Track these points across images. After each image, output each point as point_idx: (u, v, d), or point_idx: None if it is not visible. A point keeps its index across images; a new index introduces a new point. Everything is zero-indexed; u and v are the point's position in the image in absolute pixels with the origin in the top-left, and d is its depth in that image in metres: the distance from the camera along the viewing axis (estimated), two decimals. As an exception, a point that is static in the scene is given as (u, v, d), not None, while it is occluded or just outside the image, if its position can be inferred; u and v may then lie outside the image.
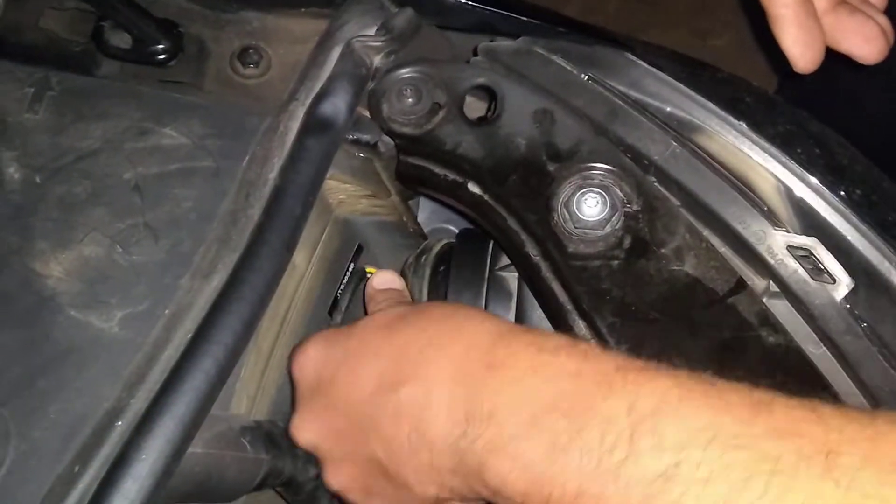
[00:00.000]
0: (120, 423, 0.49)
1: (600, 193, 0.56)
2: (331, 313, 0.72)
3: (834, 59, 0.55)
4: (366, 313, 0.67)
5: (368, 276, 0.76)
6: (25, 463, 0.48)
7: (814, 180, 0.57)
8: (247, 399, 0.63)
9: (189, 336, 0.51)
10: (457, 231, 0.85)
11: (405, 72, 0.61)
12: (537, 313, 0.63)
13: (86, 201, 0.56)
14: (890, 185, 0.59)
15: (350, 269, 0.75)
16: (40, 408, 0.50)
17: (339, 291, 0.74)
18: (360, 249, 0.77)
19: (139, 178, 0.57)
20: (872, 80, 0.96)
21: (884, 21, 0.54)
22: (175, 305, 0.53)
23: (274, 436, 0.61)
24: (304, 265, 0.67)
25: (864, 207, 0.56)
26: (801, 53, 0.53)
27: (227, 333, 0.51)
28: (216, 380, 0.50)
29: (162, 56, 0.61)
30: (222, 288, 0.53)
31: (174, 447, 0.47)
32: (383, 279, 0.68)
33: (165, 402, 0.48)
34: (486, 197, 0.60)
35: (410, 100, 0.62)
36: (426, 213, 0.87)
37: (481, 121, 0.62)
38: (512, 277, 0.66)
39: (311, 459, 0.64)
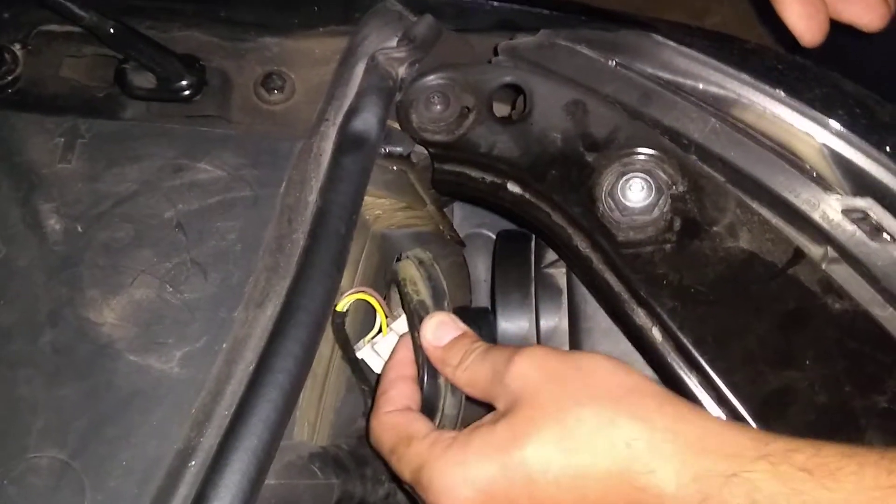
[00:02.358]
0: (193, 463, 0.48)
1: (644, 178, 0.56)
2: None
3: (837, 30, 0.54)
4: (422, 368, 0.56)
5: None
6: (104, 513, 0.48)
7: (859, 140, 0.56)
8: (308, 426, 0.63)
9: (251, 368, 0.51)
10: (493, 235, 0.85)
11: (431, 79, 0.61)
12: (590, 307, 0.62)
13: (130, 245, 0.55)
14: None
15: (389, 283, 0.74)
16: (111, 456, 0.49)
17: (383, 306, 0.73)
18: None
19: (180, 215, 0.56)
20: (878, 49, 0.95)
21: None
22: (232, 339, 0.52)
23: (341, 459, 0.60)
24: (349, 285, 0.66)
25: (913, 162, 0.55)
26: (807, 27, 0.52)
27: (288, 361, 0.50)
28: (284, 409, 0.49)
29: (187, 92, 0.61)
30: (278, 316, 0.52)
31: (251, 482, 0.47)
32: (440, 329, 0.55)
33: (237, 437, 0.48)
34: (527, 195, 0.59)
35: (439, 107, 0.61)
36: (458, 219, 0.86)
37: (511, 120, 0.62)
38: (560, 273, 0.65)
39: (380, 479, 0.64)
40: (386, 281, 0.70)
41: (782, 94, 0.57)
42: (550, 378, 0.48)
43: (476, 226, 0.87)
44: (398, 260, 0.63)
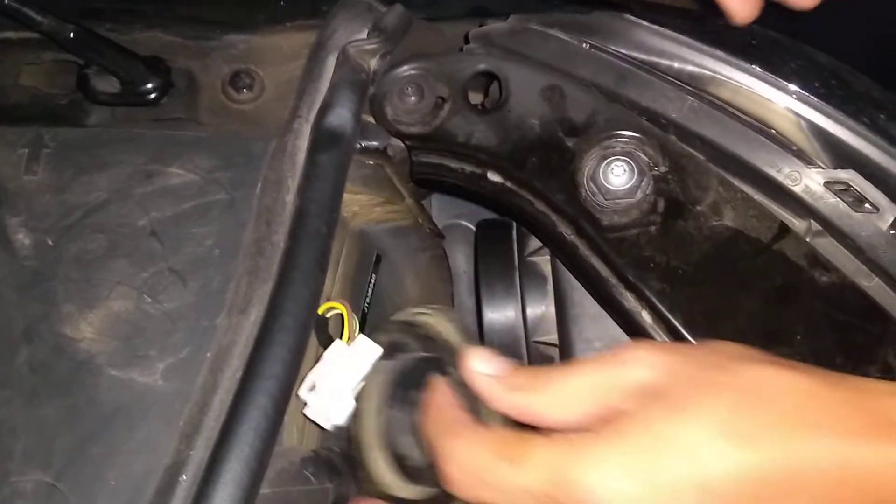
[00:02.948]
0: (184, 477, 0.47)
1: (625, 161, 0.55)
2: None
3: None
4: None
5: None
6: (94, 535, 0.46)
7: (836, 112, 0.55)
8: (296, 430, 0.62)
9: (238, 375, 0.49)
10: (472, 225, 0.84)
11: (404, 70, 0.60)
12: (577, 293, 0.62)
13: (104, 256, 0.54)
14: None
15: (373, 281, 0.73)
16: (98, 475, 0.48)
17: (366, 306, 0.72)
18: (378, 259, 0.75)
19: (154, 222, 0.55)
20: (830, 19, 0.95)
21: None
22: (216, 347, 0.51)
23: (333, 462, 0.59)
24: (329, 285, 0.65)
25: (891, 132, 0.55)
26: (739, 6, 0.52)
27: (276, 366, 0.49)
28: (275, 416, 0.48)
29: (153, 95, 0.59)
30: (262, 321, 0.51)
31: (245, 493, 0.46)
32: (493, 360, 0.46)
33: (228, 447, 0.47)
34: (508, 184, 0.58)
35: (413, 98, 0.60)
36: (435, 210, 0.85)
37: (487, 108, 0.61)
38: (544, 261, 0.65)
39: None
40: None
41: (758, 69, 0.57)
42: (680, 355, 0.41)
43: (454, 216, 0.87)
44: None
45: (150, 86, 0.59)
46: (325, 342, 0.59)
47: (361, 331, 0.69)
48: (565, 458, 0.38)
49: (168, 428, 0.49)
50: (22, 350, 0.51)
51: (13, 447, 0.49)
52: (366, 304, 0.72)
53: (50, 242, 0.54)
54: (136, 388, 0.50)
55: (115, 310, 0.52)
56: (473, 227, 0.87)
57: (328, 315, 0.57)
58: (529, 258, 0.65)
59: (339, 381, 0.52)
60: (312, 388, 0.52)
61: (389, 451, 0.53)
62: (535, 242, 0.66)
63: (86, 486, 0.47)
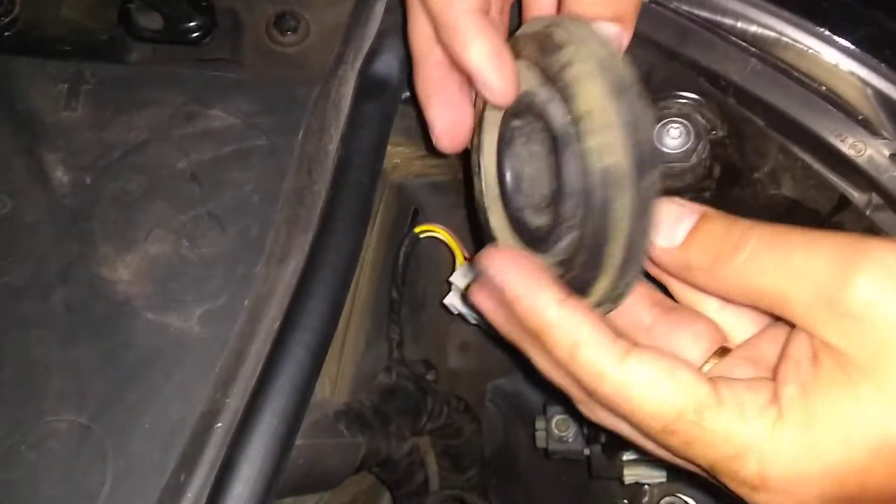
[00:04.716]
0: (219, 424, 0.46)
1: (682, 123, 0.53)
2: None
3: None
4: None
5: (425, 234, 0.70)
6: (128, 479, 0.46)
7: (907, 81, 0.53)
8: (329, 382, 0.61)
9: (276, 326, 0.48)
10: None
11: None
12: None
13: (143, 197, 0.52)
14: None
15: (409, 235, 0.72)
16: (133, 419, 0.47)
17: (402, 260, 0.71)
18: (416, 213, 0.74)
19: (194, 165, 0.53)
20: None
21: None
22: (254, 295, 0.50)
23: (365, 417, 0.59)
24: (367, 237, 0.64)
25: (963, 104, 0.53)
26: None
27: (315, 318, 0.48)
28: (312, 369, 0.47)
29: (196, 34, 0.57)
30: (301, 272, 0.50)
31: (281, 443, 0.45)
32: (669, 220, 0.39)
33: (264, 398, 0.46)
34: (557, 142, 0.56)
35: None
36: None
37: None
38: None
39: (403, 436, 0.62)
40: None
41: (826, 32, 0.54)
42: None
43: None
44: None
45: (193, 24, 0.57)
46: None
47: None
48: (749, 444, 0.35)
49: (204, 375, 0.48)
50: (58, 289, 0.50)
51: (47, 387, 0.48)
52: (401, 257, 0.71)
53: (88, 181, 0.53)
54: (173, 333, 0.49)
55: (153, 252, 0.51)
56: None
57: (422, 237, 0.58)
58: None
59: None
60: None
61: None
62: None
63: (120, 429, 0.47)
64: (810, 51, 0.54)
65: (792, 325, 0.37)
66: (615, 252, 0.37)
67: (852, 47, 0.54)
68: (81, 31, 0.59)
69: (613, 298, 0.40)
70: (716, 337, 0.43)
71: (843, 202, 0.51)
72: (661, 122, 0.53)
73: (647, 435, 0.37)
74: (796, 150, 0.53)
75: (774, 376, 0.36)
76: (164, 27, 0.57)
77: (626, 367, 0.36)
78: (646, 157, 0.36)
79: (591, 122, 0.37)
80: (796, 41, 0.55)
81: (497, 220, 0.48)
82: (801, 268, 0.34)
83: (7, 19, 0.59)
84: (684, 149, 0.53)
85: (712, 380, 0.36)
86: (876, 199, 0.53)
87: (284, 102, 0.56)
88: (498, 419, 0.93)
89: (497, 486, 0.90)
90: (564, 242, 0.41)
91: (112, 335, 0.49)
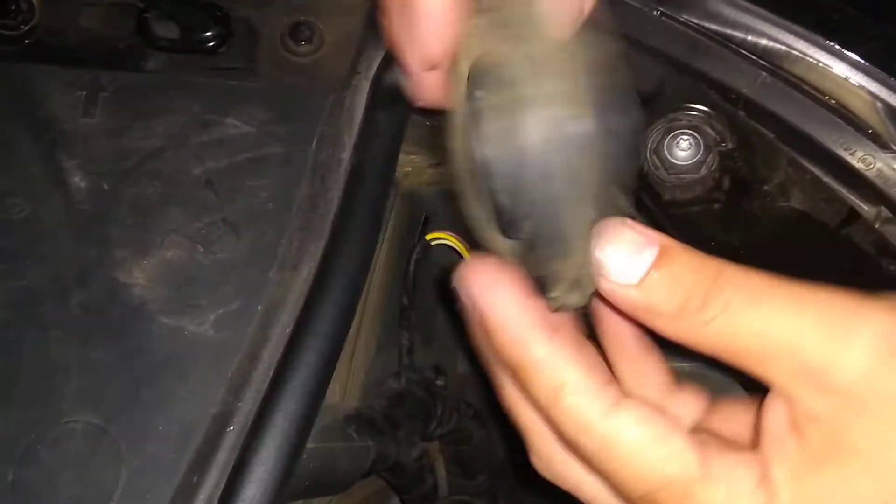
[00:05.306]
0: (232, 427, 0.47)
1: (691, 135, 0.54)
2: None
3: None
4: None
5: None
6: (141, 480, 0.47)
7: (917, 96, 0.53)
8: (339, 387, 0.62)
9: (288, 331, 0.49)
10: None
11: (467, 30, 0.58)
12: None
13: (159, 203, 0.53)
14: None
15: (420, 242, 0.72)
16: (147, 421, 0.48)
17: (413, 266, 0.72)
18: (426, 220, 0.75)
19: (210, 172, 0.54)
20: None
21: None
22: (267, 301, 0.51)
23: (375, 421, 0.59)
24: (378, 244, 0.65)
25: (973, 119, 0.53)
26: None
27: (327, 324, 0.49)
28: (323, 373, 0.48)
29: (212, 43, 0.58)
30: (314, 278, 0.51)
31: (293, 447, 0.46)
32: (621, 247, 0.33)
33: (276, 401, 0.47)
34: (567, 152, 0.57)
35: (474, 59, 0.58)
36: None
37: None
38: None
39: (413, 441, 0.63)
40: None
41: (836, 46, 0.55)
42: None
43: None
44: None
45: (209, 34, 0.58)
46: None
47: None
48: None
49: (217, 378, 0.49)
50: (75, 292, 0.51)
51: (65, 388, 0.49)
52: (412, 265, 0.72)
53: (106, 187, 0.54)
54: (187, 336, 0.50)
55: (169, 257, 0.52)
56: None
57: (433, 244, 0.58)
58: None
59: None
60: None
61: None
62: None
63: (135, 430, 0.48)
64: (820, 64, 0.55)
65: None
66: (551, 232, 0.33)
67: (862, 61, 0.54)
68: (99, 39, 0.60)
69: (568, 289, 0.35)
70: (703, 402, 0.40)
71: (853, 215, 0.52)
72: (671, 134, 0.54)
73: (627, 497, 0.34)
74: (805, 162, 0.54)
75: (757, 447, 0.33)
76: (181, 36, 0.58)
77: (614, 421, 0.32)
78: (557, 134, 0.32)
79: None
80: (806, 54, 0.55)
81: (474, 206, 0.41)
82: (787, 333, 0.31)
83: (27, 27, 0.60)
84: (694, 160, 0.53)
85: (702, 447, 0.33)
86: (885, 212, 0.53)
87: (298, 111, 0.56)
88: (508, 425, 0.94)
89: (507, 491, 0.90)
90: (525, 228, 0.35)
91: (128, 338, 0.50)
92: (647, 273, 0.32)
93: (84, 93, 0.57)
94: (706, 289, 0.32)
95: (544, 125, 0.32)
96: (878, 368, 0.30)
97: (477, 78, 0.35)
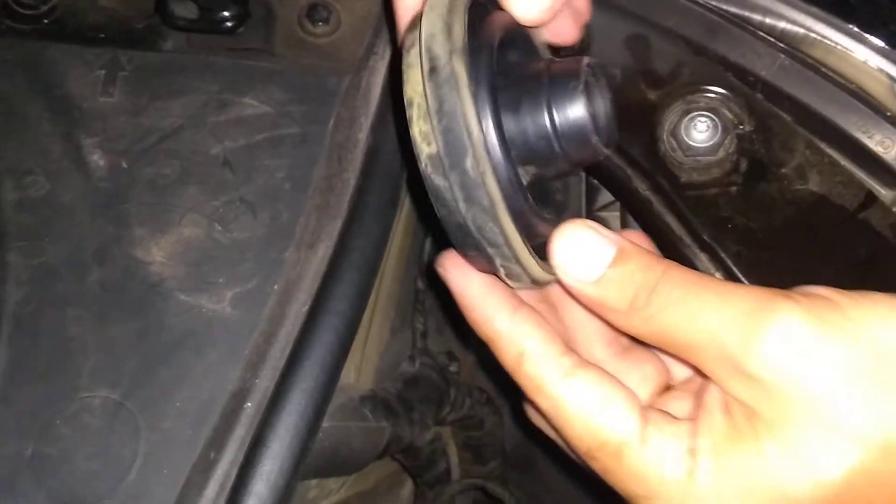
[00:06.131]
0: (249, 404, 0.48)
1: (709, 117, 0.53)
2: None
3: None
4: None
5: None
6: (159, 455, 0.47)
7: (936, 79, 0.53)
8: (353, 369, 0.62)
9: (305, 309, 0.49)
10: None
11: (484, 12, 0.58)
12: (645, 251, 0.61)
13: (177, 181, 0.54)
14: None
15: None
16: (165, 397, 0.48)
17: (428, 249, 0.72)
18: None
19: (227, 152, 0.55)
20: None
21: None
22: (284, 279, 0.51)
23: (390, 403, 0.60)
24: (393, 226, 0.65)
25: None
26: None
27: (343, 303, 0.49)
28: (340, 351, 0.48)
29: (230, 23, 0.59)
30: (331, 257, 0.51)
31: (309, 424, 0.46)
32: (580, 249, 0.37)
33: (293, 379, 0.47)
34: (583, 134, 0.57)
35: (491, 41, 0.58)
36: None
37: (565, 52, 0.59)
38: (613, 217, 0.64)
39: (426, 424, 0.63)
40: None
41: (854, 29, 0.55)
42: (832, 371, 0.33)
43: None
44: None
45: (227, 14, 0.58)
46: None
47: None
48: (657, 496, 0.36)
49: (234, 355, 0.49)
50: (94, 270, 0.52)
51: (83, 364, 0.49)
52: (426, 246, 0.72)
53: (124, 165, 0.54)
54: (205, 314, 0.50)
55: (186, 236, 0.52)
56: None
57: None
58: (598, 213, 0.64)
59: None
60: None
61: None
62: (605, 196, 0.65)
63: (152, 406, 0.48)
64: (839, 47, 0.55)
65: None
66: (469, 233, 0.35)
67: (881, 44, 0.54)
68: (119, 19, 0.60)
69: (510, 279, 0.38)
70: (662, 378, 0.43)
71: (870, 198, 0.52)
72: (689, 116, 0.53)
73: (575, 452, 0.39)
74: (823, 145, 0.53)
75: (694, 421, 0.37)
76: (199, 16, 0.58)
77: (565, 385, 0.37)
78: (459, 142, 0.34)
79: (411, 110, 0.36)
80: (825, 37, 0.55)
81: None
82: (711, 325, 0.35)
83: (47, 7, 0.60)
84: (711, 143, 0.53)
85: (646, 417, 0.37)
86: (903, 195, 0.53)
87: (316, 92, 0.57)
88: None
89: (516, 478, 0.91)
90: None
91: (146, 315, 0.50)
92: (605, 274, 0.37)
93: (103, 72, 0.58)
94: (651, 288, 0.36)
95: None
96: (785, 357, 0.33)
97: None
